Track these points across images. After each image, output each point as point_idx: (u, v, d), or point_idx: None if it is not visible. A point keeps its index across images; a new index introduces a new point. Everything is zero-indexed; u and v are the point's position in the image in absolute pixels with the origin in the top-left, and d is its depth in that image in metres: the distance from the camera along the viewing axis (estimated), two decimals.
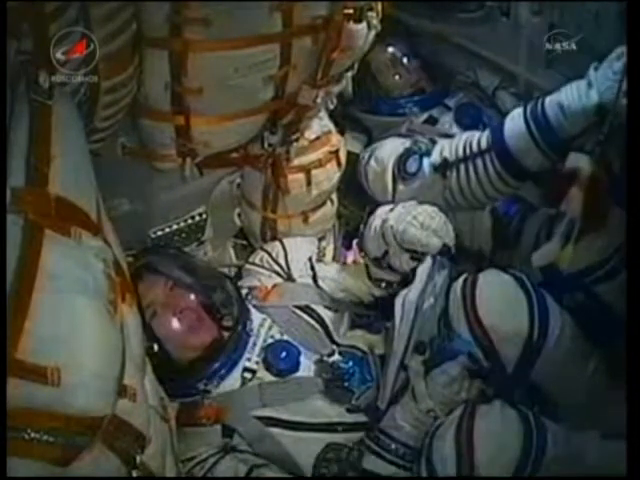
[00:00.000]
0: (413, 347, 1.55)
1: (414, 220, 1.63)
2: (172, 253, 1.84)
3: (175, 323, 1.58)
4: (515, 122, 1.66)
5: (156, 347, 1.53)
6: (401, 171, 1.98)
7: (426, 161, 1.89)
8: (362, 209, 2.31)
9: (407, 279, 1.68)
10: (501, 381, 1.53)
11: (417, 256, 1.63)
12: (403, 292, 1.59)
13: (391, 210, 1.72)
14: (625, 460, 0.97)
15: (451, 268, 1.63)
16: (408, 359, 1.54)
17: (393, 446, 1.50)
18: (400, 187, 1.98)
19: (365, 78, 2.28)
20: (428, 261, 1.60)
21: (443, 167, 1.81)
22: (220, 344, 1.62)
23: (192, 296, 1.64)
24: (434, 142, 1.94)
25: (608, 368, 1.58)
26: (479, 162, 1.73)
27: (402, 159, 1.98)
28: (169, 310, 1.58)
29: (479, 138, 1.75)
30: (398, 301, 1.58)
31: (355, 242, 2.05)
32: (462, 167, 1.77)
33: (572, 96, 1.53)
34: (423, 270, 1.59)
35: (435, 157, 1.86)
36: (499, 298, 1.55)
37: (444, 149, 1.84)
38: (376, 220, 1.74)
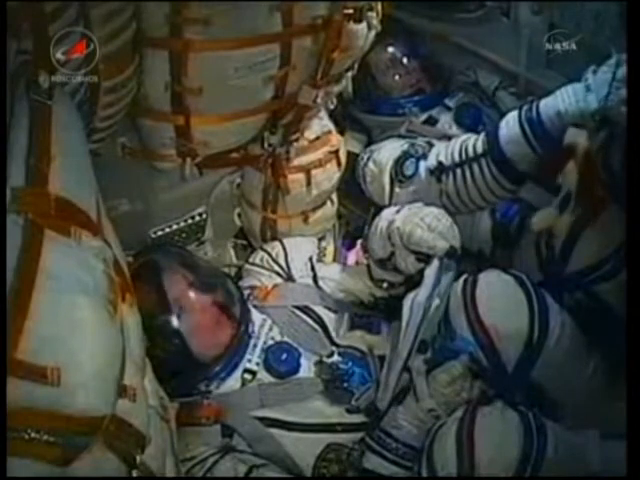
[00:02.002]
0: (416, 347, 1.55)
1: (421, 222, 1.62)
2: (176, 251, 1.82)
3: (201, 319, 1.59)
4: (510, 127, 1.64)
5: (178, 342, 1.54)
6: (398, 174, 1.97)
7: (422, 164, 1.89)
8: (362, 209, 2.31)
9: (410, 280, 1.68)
10: (502, 381, 1.53)
11: (423, 258, 1.63)
12: (411, 294, 1.58)
13: (397, 212, 1.71)
14: (625, 460, 0.97)
15: (456, 270, 1.63)
16: (412, 360, 1.54)
17: (394, 445, 1.50)
18: (397, 190, 1.98)
19: (365, 78, 2.28)
20: (435, 263, 1.59)
21: (439, 171, 1.81)
22: (236, 342, 1.62)
23: (208, 295, 1.64)
24: (432, 145, 1.94)
25: (608, 368, 1.58)
26: (475, 167, 1.72)
27: (399, 162, 1.98)
28: (194, 306, 1.59)
29: (475, 142, 1.74)
30: (406, 303, 1.57)
31: (360, 243, 2.04)
32: (458, 171, 1.76)
33: (569, 100, 1.51)
34: (431, 272, 1.58)
35: (431, 161, 1.85)
36: (499, 298, 1.55)
37: (440, 153, 1.83)
38: (382, 221, 1.73)
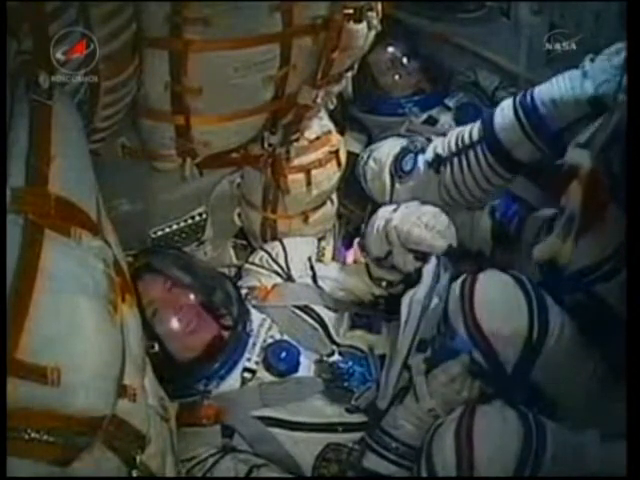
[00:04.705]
0: (416, 346, 1.55)
1: (419, 221, 1.62)
2: (172, 253, 1.84)
3: (175, 321, 1.59)
4: (505, 114, 1.64)
5: (157, 346, 1.53)
6: (397, 170, 1.98)
7: (420, 158, 1.89)
8: (362, 209, 2.32)
9: (408, 279, 1.68)
10: (501, 382, 1.52)
11: (421, 256, 1.63)
12: (410, 292, 1.58)
13: (394, 210, 1.71)
14: (625, 460, 0.97)
15: (453, 269, 1.63)
16: (412, 359, 1.54)
17: (394, 445, 1.50)
18: (397, 187, 1.99)
19: (365, 78, 2.28)
20: (433, 261, 1.59)
21: (437, 162, 1.81)
22: (220, 343, 1.63)
23: (191, 295, 1.65)
24: (430, 141, 1.94)
25: (608, 368, 1.58)
26: (471, 154, 1.72)
27: (398, 158, 1.99)
28: (169, 308, 1.59)
29: (470, 130, 1.75)
30: (405, 301, 1.57)
31: (357, 242, 2.05)
32: (455, 161, 1.76)
33: (565, 87, 1.51)
34: (429, 270, 1.58)
35: (429, 154, 1.86)
36: (498, 300, 1.55)
37: (437, 146, 1.84)
38: (379, 220, 1.73)
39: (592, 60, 1.49)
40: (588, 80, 1.47)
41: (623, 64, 1.39)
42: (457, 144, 1.76)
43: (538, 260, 1.60)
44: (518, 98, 1.62)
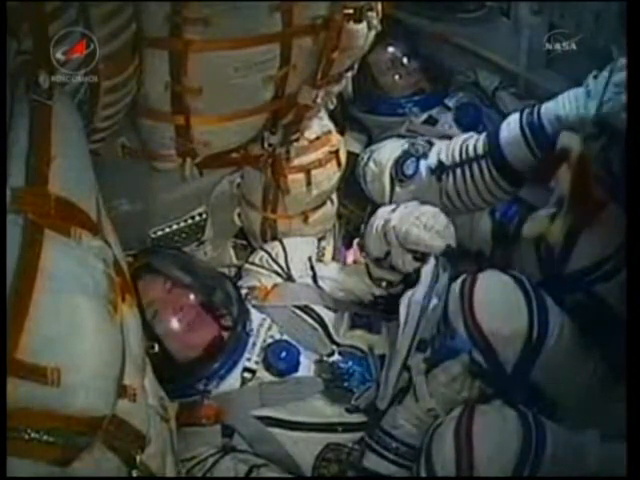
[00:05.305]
0: (415, 346, 1.55)
1: (417, 221, 1.62)
2: (172, 253, 1.84)
3: (175, 321, 1.59)
4: (511, 129, 1.64)
5: (157, 347, 1.53)
6: (398, 173, 1.98)
7: (423, 163, 1.89)
8: (362, 209, 2.31)
9: (408, 278, 1.68)
10: (501, 382, 1.53)
11: (419, 256, 1.63)
12: (408, 293, 1.59)
13: (393, 210, 1.71)
14: (625, 460, 0.97)
15: (451, 269, 1.63)
16: (411, 359, 1.54)
17: (394, 445, 1.51)
18: (397, 190, 1.98)
19: (365, 78, 2.28)
20: (432, 261, 1.59)
21: (439, 170, 1.81)
22: (220, 343, 1.63)
23: (191, 295, 1.65)
24: (431, 144, 1.94)
25: (608, 368, 1.58)
26: (475, 167, 1.72)
27: (400, 161, 1.98)
28: (169, 309, 1.59)
29: (475, 143, 1.74)
30: (403, 302, 1.58)
31: (356, 242, 2.05)
32: (458, 171, 1.76)
33: (570, 106, 1.51)
34: (428, 270, 1.59)
35: (432, 160, 1.85)
36: (498, 299, 1.55)
37: (441, 152, 1.84)
38: (378, 220, 1.73)
39: (595, 77, 1.48)
40: (592, 100, 1.46)
41: (622, 81, 1.38)
42: (461, 155, 1.75)
43: (527, 237, 1.61)
44: (525, 115, 1.60)
